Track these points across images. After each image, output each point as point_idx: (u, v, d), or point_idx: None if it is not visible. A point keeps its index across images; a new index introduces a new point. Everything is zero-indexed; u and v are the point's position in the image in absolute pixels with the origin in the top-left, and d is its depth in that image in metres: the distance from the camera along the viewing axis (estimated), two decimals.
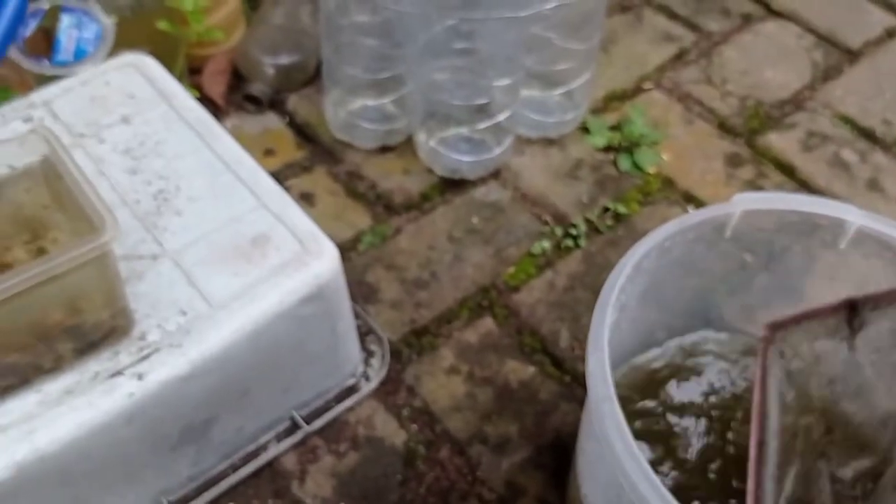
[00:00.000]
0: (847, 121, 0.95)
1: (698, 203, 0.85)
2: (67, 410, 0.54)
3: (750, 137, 0.93)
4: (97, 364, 0.56)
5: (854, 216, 0.57)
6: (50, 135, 0.55)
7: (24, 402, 0.55)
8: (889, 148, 0.93)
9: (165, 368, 0.56)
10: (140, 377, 0.56)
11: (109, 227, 0.50)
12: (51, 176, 0.56)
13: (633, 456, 0.44)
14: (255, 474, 0.67)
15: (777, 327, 0.58)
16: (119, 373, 0.56)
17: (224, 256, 0.61)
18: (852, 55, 1.02)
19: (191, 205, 0.64)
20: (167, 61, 0.79)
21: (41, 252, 0.59)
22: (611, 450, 0.45)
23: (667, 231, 0.55)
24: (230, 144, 0.68)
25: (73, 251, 0.50)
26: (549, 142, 0.90)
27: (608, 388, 0.47)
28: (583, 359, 0.74)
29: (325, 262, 0.62)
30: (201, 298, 0.59)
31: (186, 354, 0.57)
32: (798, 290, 0.68)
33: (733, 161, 0.90)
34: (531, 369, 0.73)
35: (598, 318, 0.50)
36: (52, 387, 0.55)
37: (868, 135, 0.94)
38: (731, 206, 0.57)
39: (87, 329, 0.56)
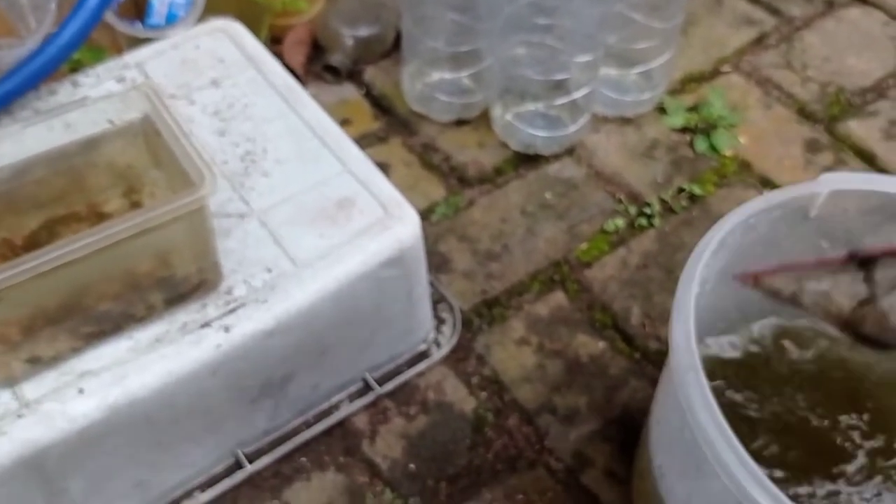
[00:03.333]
0: None
1: (775, 187, 0.84)
2: (157, 358, 0.56)
3: (830, 124, 0.91)
4: (186, 315, 0.58)
5: None
6: (152, 92, 0.57)
7: (117, 349, 0.57)
8: None
9: (251, 322, 0.58)
10: (227, 329, 0.58)
11: (208, 181, 0.52)
12: (150, 132, 0.58)
13: (720, 426, 0.44)
14: (327, 432, 0.68)
15: None
16: (207, 324, 0.58)
17: (309, 218, 0.63)
18: None
19: (277, 167, 0.66)
20: (252, 29, 0.81)
21: (136, 205, 0.61)
22: (694, 419, 0.45)
23: (753, 207, 0.55)
24: (316, 111, 0.70)
25: (172, 204, 0.52)
26: (624, 121, 0.89)
27: (693, 357, 0.47)
28: (654, 337, 0.74)
29: (407, 227, 0.63)
30: (286, 257, 0.61)
31: (271, 310, 0.59)
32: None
33: (812, 147, 0.89)
34: (601, 344, 0.74)
35: (683, 287, 0.50)
36: (143, 335, 0.57)
37: None
38: (818, 185, 0.56)
39: (177, 281, 0.58)
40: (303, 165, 0.65)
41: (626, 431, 0.69)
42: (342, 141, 0.67)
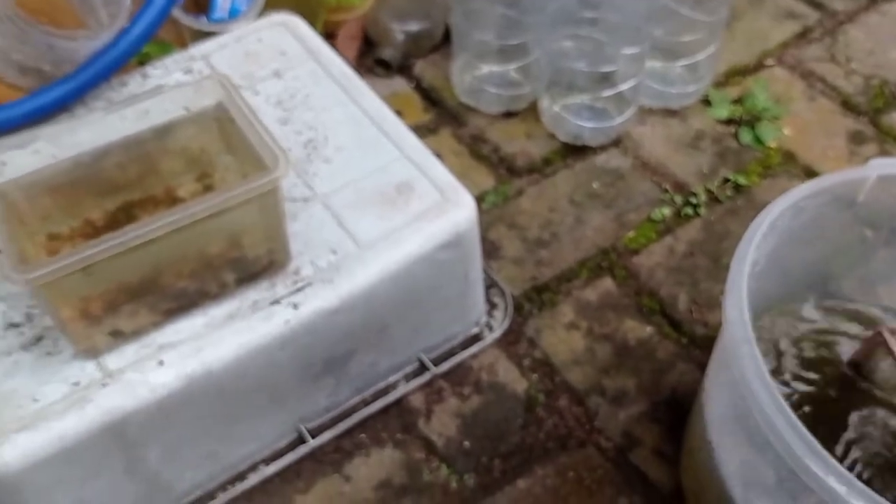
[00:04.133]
0: None
1: None
2: (230, 333, 0.59)
3: (874, 116, 0.92)
4: (256, 293, 0.61)
5: None
6: (226, 81, 0.60)
7: (193, 324, 0.60)
8: None
9: (317, 300, 0.61)
10: (295, 307, 0.61)
11: (281, 164, 0.55)
12: (223, 119, 0.61)
13: (772, 395, 0.46)
14: (385, 410, 0.71)
15: None
16: (276, 302, 0.61)
17: (370, 201, 0.65)
18: None
19: (338, 153, 0.68)
20: (308, 24, 0.84)
21: (209, 189, 0.64)
22: (748, 388, 0.47)
23: (803, 191, 0.56)
24: (374, 100, 0.72)
25: (246, 186, 0.55)
26: (670, 112, 0.91)
27: (746, 329, 0.49)
28: (701, 322, 0.76)
29: (463, 211, 0.65)
30: (350, 239, 0.63)
31: (336, 289, 0.61)
32: None
33: (856, 138, 0.90)
34: (649, 329, 0.76)
35: (737, 265, 0.52)
36: (217, 311, 0.60)
37: None
38: (867, 169, 0.58)
39: (248, 261, 0.61)
40: (362, 152, 0.68)
41: (673, 413, 0.71)
42: (399, 128, 0.70)
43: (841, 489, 0.43)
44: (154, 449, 0.59)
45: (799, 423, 0.45)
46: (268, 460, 0.68)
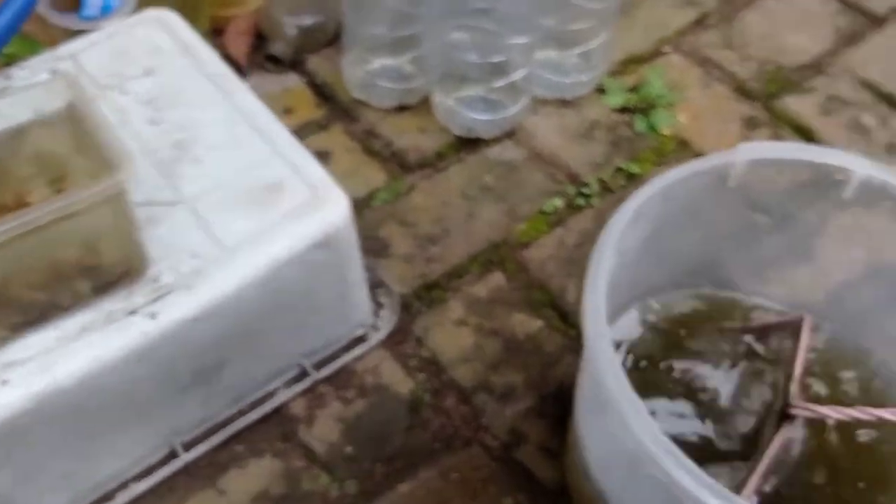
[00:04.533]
0: (868, 86, 0.94)
1: None
2: (84, 346, 0.57)
3: (768, 101, 0.92)
4: (112, 303, 0.59)
5: (860, 166, 0.57)
6: (74, 80, 0.58)
7: (44, 338, 0.57)
8: None
9: (177, 309, 0.59)
10: (153, 317, 0.58)
11: (125, 165, 0.53)
12: (75, 120, 0.58)
13: (624, 389, 0.45)
14: (264, 419, 0.69)
15: None
16: (133, 312, 0.58)
17: (238, 202, 0.63)
18: (877, 21, 1.00)
19: (208, 154, 0.66)
20: (192, 20, 0.81)
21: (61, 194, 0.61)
22: (604, 386, 0.46)
23: (670, 178, 0.56)
24: (248, 97, 0.70)
25: (90, 189, 0.52)
26: (564, 103, 0.90)
27: (602, 325, 0.48)
28: None
29: (335, 209, 0.63)
30: (214, 242, 0.61)
31: (197, 295, 0.59)
32: (810, 250, 0.68)
33: (750, 124, 0.90)
34: (538, 323, 0.75)
35: (596, 257, 0.51)
36: (70, 324, 0.58)
37: (889, 100, 0.93)
38: (735, 153, 0.57)
39: (103, 269, 0.59)
40: (233, 151, 0.66)
41: (560, 407, 0.70)
42: (273, 126, 0.67)
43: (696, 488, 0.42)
44: (4, 473, 0.57)
45: (650, 420, 0.44)
46: (138, 477, 0.65)
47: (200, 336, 0.60)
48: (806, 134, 0.89)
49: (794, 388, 0.58)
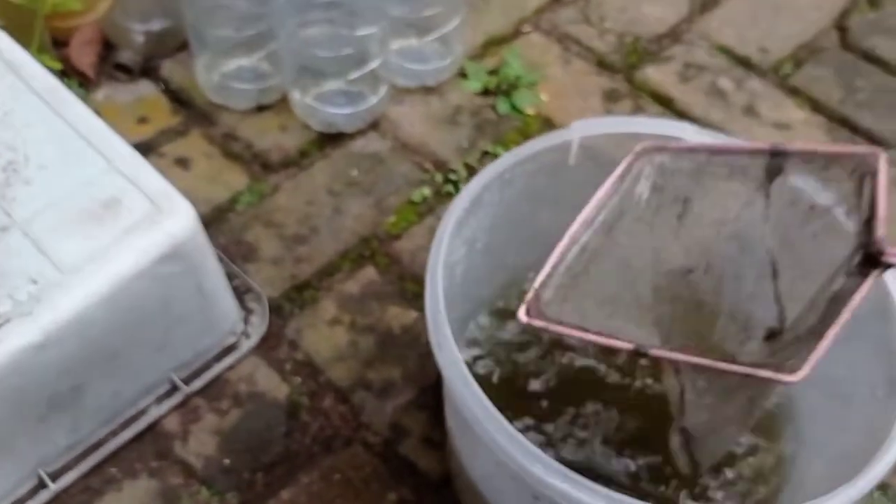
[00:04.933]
0: (724, 50, 0.96)
1: None
2: None
3: (628, 73, 0.94)
4: None
5: (690, 133, 0.58)
6: None
7: None
8: (764, 74, 0.94)
9: (17, 338, 0.56)
10: None
11: None
12: None
13: (458, 368, 0.45)
14: (137, 438, 0.67)
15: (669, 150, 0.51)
16: None
17: (74, 222, 0.60)
18: None
19: (40, 173, 0.63)
20: (24, 34, 0.77)
21: None
22: (447, 379, 0.46)
23: (504, 163, 0.56)
24: (82, 111, 0.67)
25: None
26: (427, 90, 0.90)
27: (442, 322, 0.47)
28: None
29: (179, 220, 0.61)
30: (51, 265, 0.58)
31: (38, 322, 0.56)
32: None
33: (611, 97, 0.91)
34: (413, 314, 0.74)
35: (433, 253, 0.51)
36: None
37: (744, 63, 0.95)
38: (570, 132, 0.57)
39: None
40: (67, 168, 0.63)
41: (440, 397, 0.69)
42: (109, 138, 0.65)
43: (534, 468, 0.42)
44: None
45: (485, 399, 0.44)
46: None
47: (48, 362, 0.58)
48: (666, 103, 0.91)
49: (881, 229, 0.42)
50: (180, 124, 0.86)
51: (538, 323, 0.44)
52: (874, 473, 0.46)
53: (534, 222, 0.64)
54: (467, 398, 0.45)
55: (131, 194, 0.61)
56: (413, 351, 0.72)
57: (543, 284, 0.46)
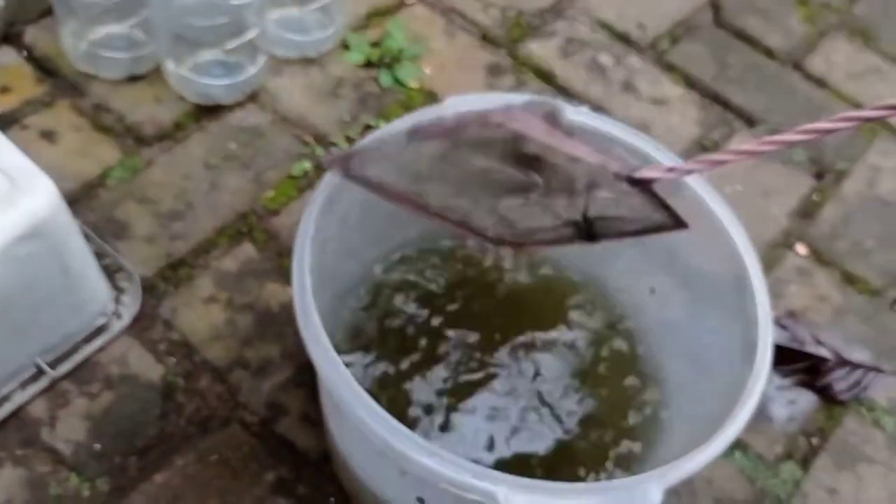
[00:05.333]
0: (604, 26, 0.98)
1: None
2: None
3: (511, 47, 0.94)
4: None
5: (567, 112, 0.59)
6: None
7: None
8: (643, 51, 0.97)
9: None
10: None
11: None
12: None
13: (328, 354, 0.45)
14: (1, 425, 0.64)
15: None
16: None
17: None
18: None
19: None
20: None
21: None
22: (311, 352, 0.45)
23: (375, 137, 0.55)
24: None
25: None
26: (308, 61, 0.88)
27: (308, 303, 0.47)
28: None
29: (39, 197, 0.58)
30: None
31: None
32: None
33: (494, 71, 0.92)
34: (291, 291, 0.73)
35: (301, 231, 0.50)
36: None
37: (623, 39, 0.97)
38: (443, 108, 0.57)
39: None
40: None
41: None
42: None
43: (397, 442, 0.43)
44: None
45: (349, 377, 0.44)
46: None
47: None
48: (548, 78, 0.92)
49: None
50: (46, 94, 0.82)
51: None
52: (727, 434, 0.49)
53: None
54: (334, 379, 0.45)
55: None
56: (291, 328, 0.71)
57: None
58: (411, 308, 0.66)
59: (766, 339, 0.53)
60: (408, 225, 0.67)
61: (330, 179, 0.53)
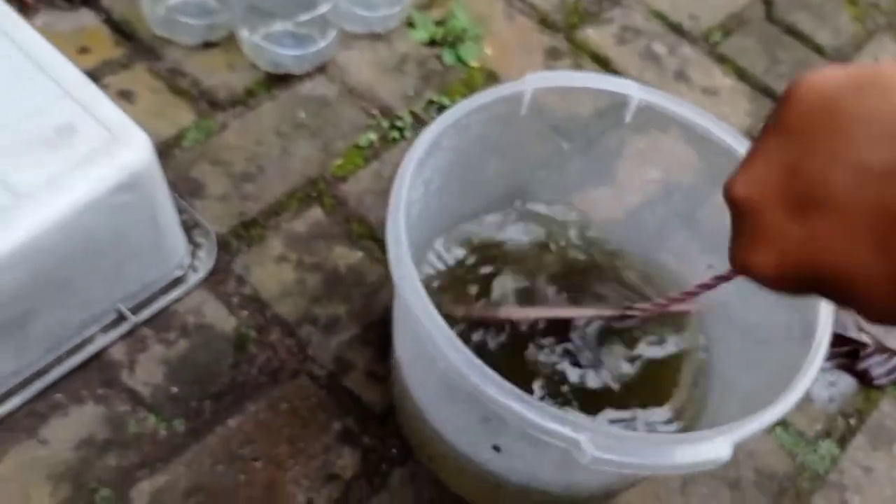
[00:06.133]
0: (658, 16, 1.01)
1: None
2: None
3: (569, 32, 0.97)
4: None
5: (635, 91, 0.62)
6: None
7: None
8: (695, 41, 0.99)
9: None
10: None
11: None
12: None
13: (428, 312, 0.47)
14: (83, 366, 0.67)
15: None
16: None
17: (27, 147, 0.60)
18: None
19: None
20: None
21: None
22: (411, 314, 0.48)
23: (461, 109, 0.58)
24: (31, 35, 0.66)
25: None
26: (375, 37, 0.91)
27: (406, 264, 0.49)
28: None
29: (135, 150, 0.61)
30: (4, 189, 0.58)
31: None
32: (610, 172, 0.73)
33: (553, 54, 0.94)
34: (359, 255, 0.76)
35: (395, 192, 0.53)
36: None
37: (677, 29, 1.00)
38: (523, 83, 0.60)
39: None
40: (16, 92, 0.62)
41: (383, 334, 0.72)
42: (61, 64, 0.64)
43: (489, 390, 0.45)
44: None
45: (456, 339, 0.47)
46: None
47: None
48: (604, 63, 0.95)
49: None
50: (123, 56, 0.85)
51: None
52: (778, 409, 0.51)
53: (484, 169, 0.68)
54: (422, 316, 0.47)
55: (86, 122, 0.61)
56: (358, 290, 0.75)
57: None
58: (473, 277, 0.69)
59: (827, 317, 0.55)
60: (474, 199, 0.70)
61: (420, 144, 0.56)
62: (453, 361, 0.46)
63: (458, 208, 0.69)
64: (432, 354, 0.48)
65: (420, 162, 0.55)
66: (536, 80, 0.61)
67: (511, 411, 0.45)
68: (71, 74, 0.64)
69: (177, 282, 0.72)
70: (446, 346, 0.46)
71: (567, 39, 0.96)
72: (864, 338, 0.79)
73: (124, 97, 0.82)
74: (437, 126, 0.57)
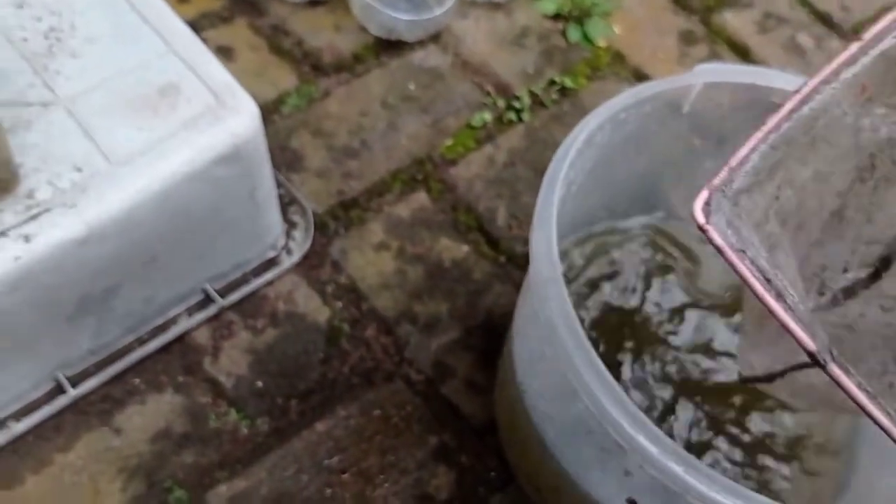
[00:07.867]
0: (805, 3, 0.91)
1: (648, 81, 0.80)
2: None
3: (705, 15, 0.87)
4: None
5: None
6: None
7: None
8: (845, 35, 0.89)
9: (57, 230, 0.50)
10: (27, 239, 0.49)
11: None
12: None
13: (580, 342, 0.40)
14: (164, 349, 0.62)
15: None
16: (3, 234, 0.49)
17: (126, 107, 0.54)
18: None
19: (88, 46, 0.56)
20: None
21: None
22: (555, 335, 0.41)
23: (623, 102, 0.50)
24: None
25: None
26: (494, 6, 0.83)
27: (555, 269, 0.42)
28: (520, 239, 0.70)
29: (242, 118, 0.55)
30: (99, 153, 0.52)
31: (82, 215, 0.50)
32: None
33: (687, 38, 0.85)
34: (465, 248, 0.69)
35: (546, 193, 0.45)
36: None
37: (825, 19, 0.90)
38: (693, 76, 0.52)
39: None
40: (119, 45, 0.56)
41: (488, 339, 0.65)
42: (167, 16, 0.58)
43: (653, 450, 0.38)
44: None
45: (611, 380, 0.40)
46: (18, 415, 0.57)
47: (85, 260, 0.52)
48: (743, 52, 0.85)
49: None
50: (224, 9, 0.79)
51: (711, 233, 0.35)
52: None
53: (630, 169, 0.60)
54: (571, 347, 0.40)
55: (191, 83, 0.55)
56: (462, 287, 0.68)
57: (725, 182, 0.38)
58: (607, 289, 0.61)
59: None
60: (611, 201, 0.62)
61: (573, 143, 0.48)
62: (614, 418, 0.38)
63: (591, 212, 0.62)
64: (576, 389, 0.41)
65: (573, 160, 0.47)
66: (706, 74, 0.52)
67: (687, 485, 0.37)
68: (177, 28, 0.57)
69: (269, 264, 0.66)
70: (609, 402, 0.39)
71: (703, 23, 0.87)
72: None
73: (223, 54, 0.76)
74: (595, 119, 0.49)
